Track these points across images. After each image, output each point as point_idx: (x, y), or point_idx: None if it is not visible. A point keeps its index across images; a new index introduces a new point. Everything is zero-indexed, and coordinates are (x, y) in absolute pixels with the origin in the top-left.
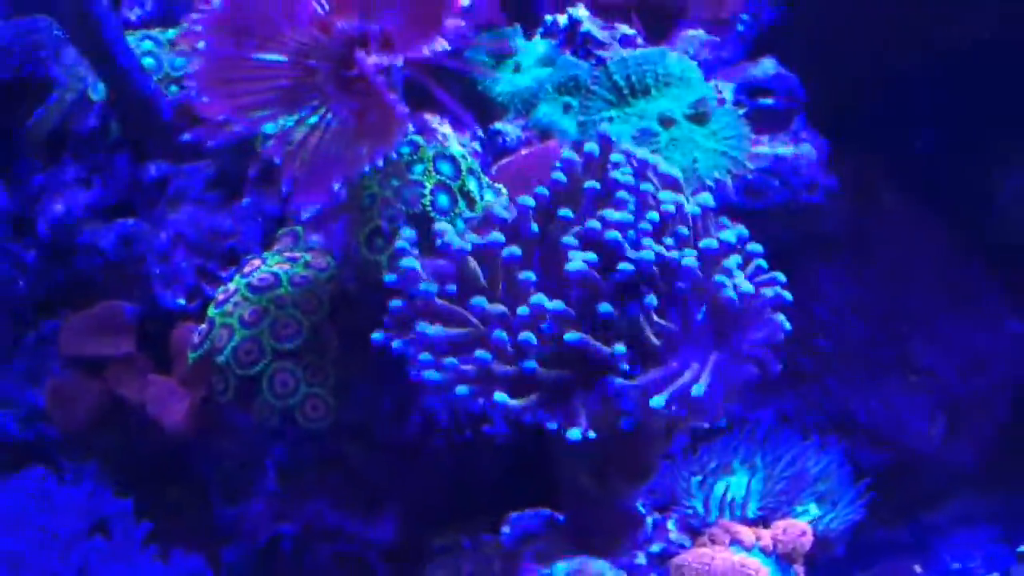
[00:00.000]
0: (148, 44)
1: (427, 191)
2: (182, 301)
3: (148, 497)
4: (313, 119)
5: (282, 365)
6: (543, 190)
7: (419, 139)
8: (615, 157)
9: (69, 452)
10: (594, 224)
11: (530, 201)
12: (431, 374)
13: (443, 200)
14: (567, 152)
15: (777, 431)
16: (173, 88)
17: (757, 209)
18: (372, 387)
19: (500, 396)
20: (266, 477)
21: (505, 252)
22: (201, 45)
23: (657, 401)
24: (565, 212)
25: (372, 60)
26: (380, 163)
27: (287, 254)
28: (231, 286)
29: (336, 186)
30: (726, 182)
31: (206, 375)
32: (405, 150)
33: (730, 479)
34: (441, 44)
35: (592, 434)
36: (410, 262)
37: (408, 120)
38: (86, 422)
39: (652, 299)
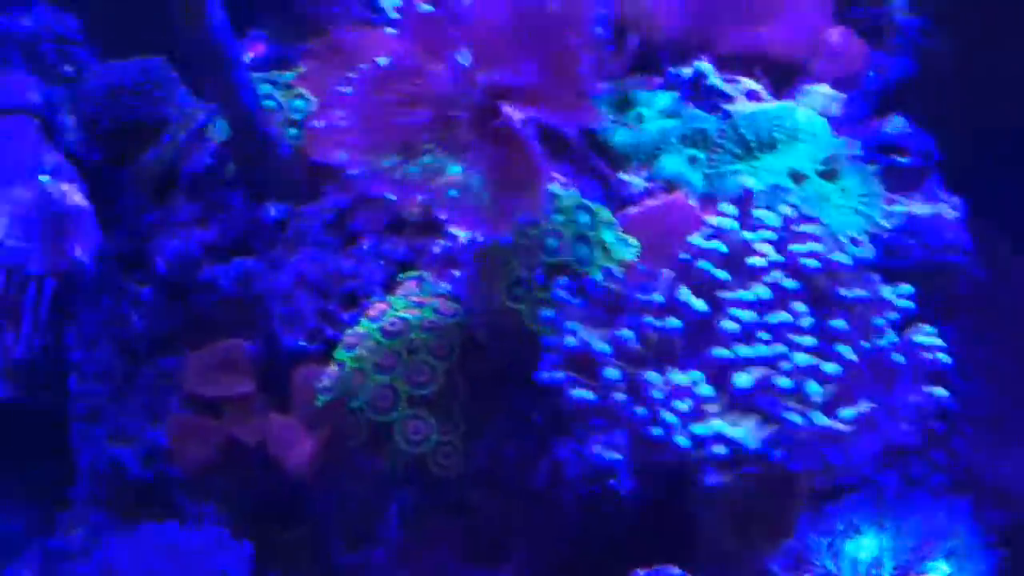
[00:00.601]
0: (267, 87)
1: (567, 241)
2: (303, 342)
3: (266, 541)
4: (455, 169)
5: (416, 412)
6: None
7: (556, 188)
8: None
9: (189, 492)
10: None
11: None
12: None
13: (582, 250)
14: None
15: (904, 491)
16: (292, 131)
17: (892, 268)
18: (499, 435)
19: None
20: (389, 524)
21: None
22: (347, 90)
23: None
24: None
25: (518, 115)
26: (523, 218)
27: (414, 299)
28: (360, 330)
29: (479, 235)
30: (861, 240)
31: (333, 418)
32: None
33: (860, 539)
34: (585, 100)
35: None
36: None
37: (551, 175)
38: (206, 462)
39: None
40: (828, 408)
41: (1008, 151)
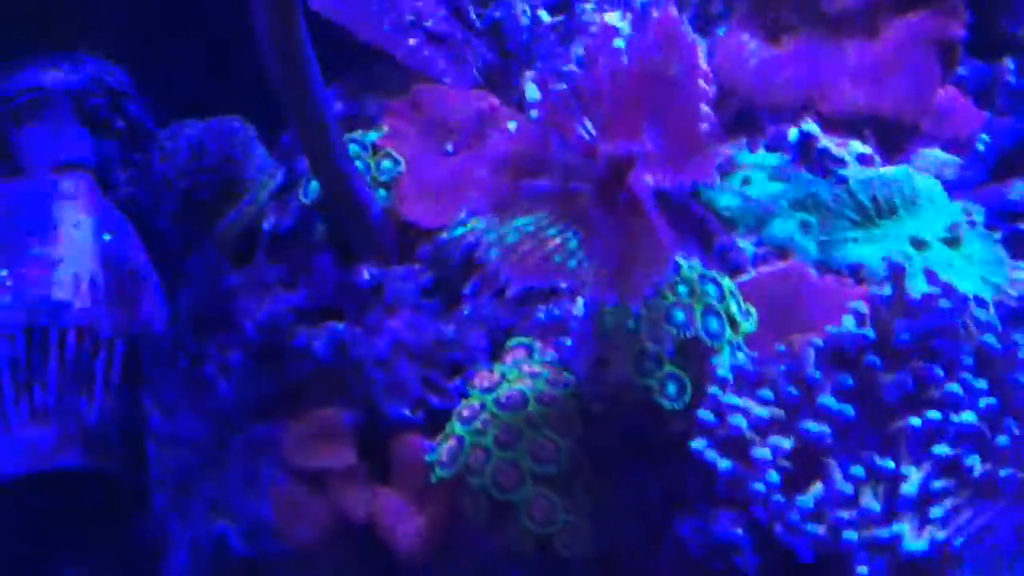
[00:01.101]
0: (355, 148)
1: (697, 315)
2: (407, 412)
3: None
4: (574, 243)
5: (540, 490)
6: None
7: (679, 259)
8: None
9: (297, 570)
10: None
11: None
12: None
13: (713, 324)
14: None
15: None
16: (381, 192)
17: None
18: (621, 512)
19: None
20: None
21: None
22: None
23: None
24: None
25: (648, 181)
26: (648, 291)
27: (525, 368)
28: (474, 402)
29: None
30: (989, 308)
31: (447, 494)
32: None
33: None
34: (708, 168)
35: None
36: (732, 399)
37: (678, 247)
38: (314, 538)
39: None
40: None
41: None
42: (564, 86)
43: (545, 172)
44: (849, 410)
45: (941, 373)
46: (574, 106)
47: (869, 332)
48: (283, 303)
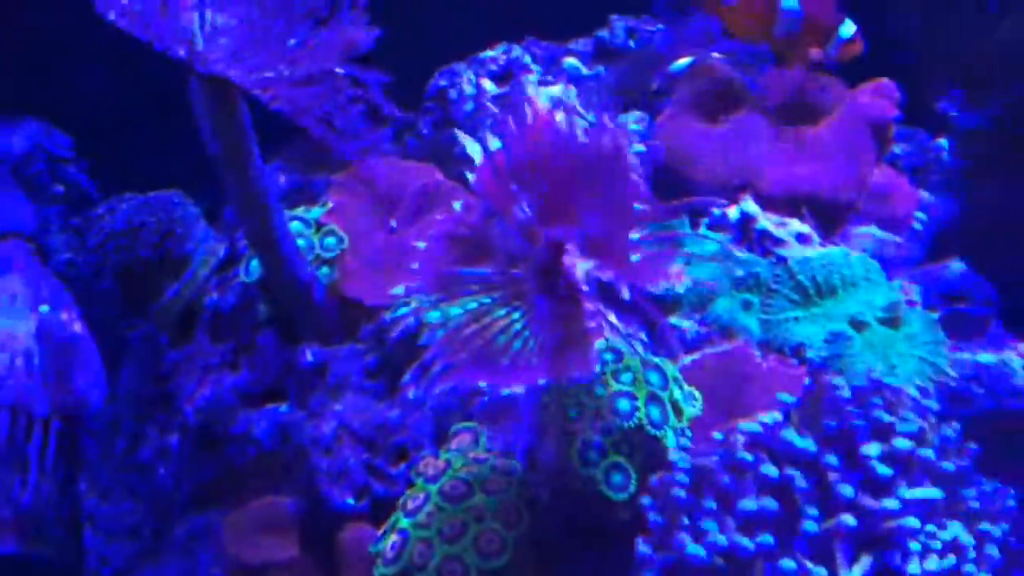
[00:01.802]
0: (298, 225)
1: (640, 403)
2: (351, 500)
3: None
4: (519, 324)
5: None
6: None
7: (623, 345)
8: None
9: None
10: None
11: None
12: None
13: (656, 413)
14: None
15: None
16: (324, 269)
17: (962, 416)
18: None
19: None
20: None
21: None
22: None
23: None
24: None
25: (580, 270)
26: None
27: (471, 455)
28: (419, 492)
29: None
30: (929, 390)
31: None
32: (609, 356)
33: None
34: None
35: None
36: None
37: (603, 334)
38: None
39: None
40: None
41: None
42: (505, 166)
43: (487, 255)
44: (772, 504)
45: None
46: (515, 187)
47: (793, 438)
48: (224, 385)
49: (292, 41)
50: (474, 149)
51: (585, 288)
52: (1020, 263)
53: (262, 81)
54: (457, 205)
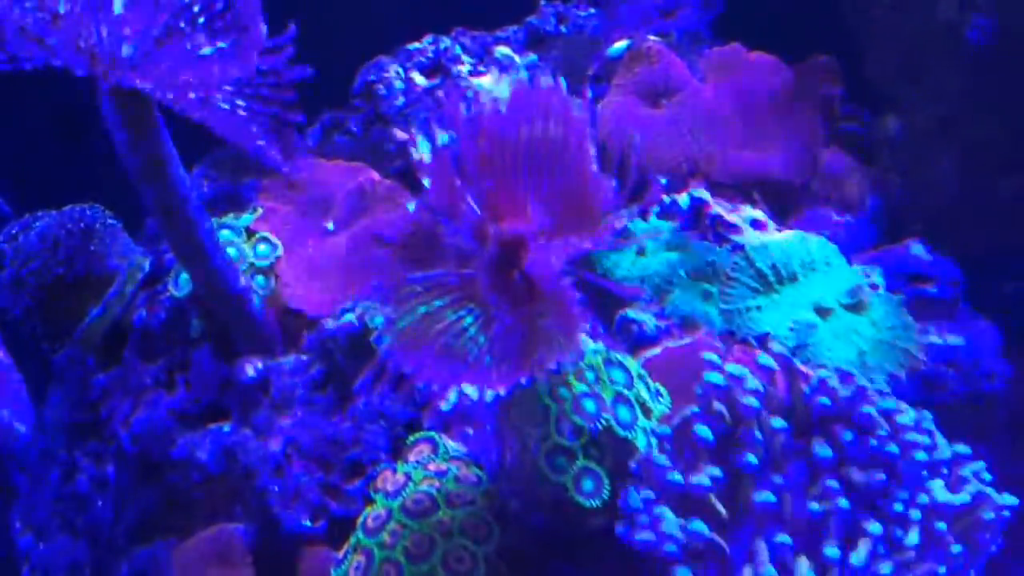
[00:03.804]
0: (228, 234)
1: (607, 403)
2: (308, 523)
3: None
4: (473, 328)
5: None
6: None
7: (586, 342)
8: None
9: None
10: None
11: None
12: None
13: (624, 413)
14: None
15: None
16: (259, 279)
17: (935, 403)
18: None
19: None
20: None
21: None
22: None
23: None
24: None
25: (546, 260)
26: (555, 368)
27: (431, 467)
28: (380, 509)
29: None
30: (900, 376)
31: None
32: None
33: None
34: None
35: None
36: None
37: (586, 321)
38: None
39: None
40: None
41: (1012, 269)
42: (449, 164)
43: (437, 258)
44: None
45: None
46: (461, 185)
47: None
48: (160, 407)
49: (204, 46)
50: (424, 147)
51: (564, 282)
52: (975, 240)
53: (174, 90)
54: (410, 206)
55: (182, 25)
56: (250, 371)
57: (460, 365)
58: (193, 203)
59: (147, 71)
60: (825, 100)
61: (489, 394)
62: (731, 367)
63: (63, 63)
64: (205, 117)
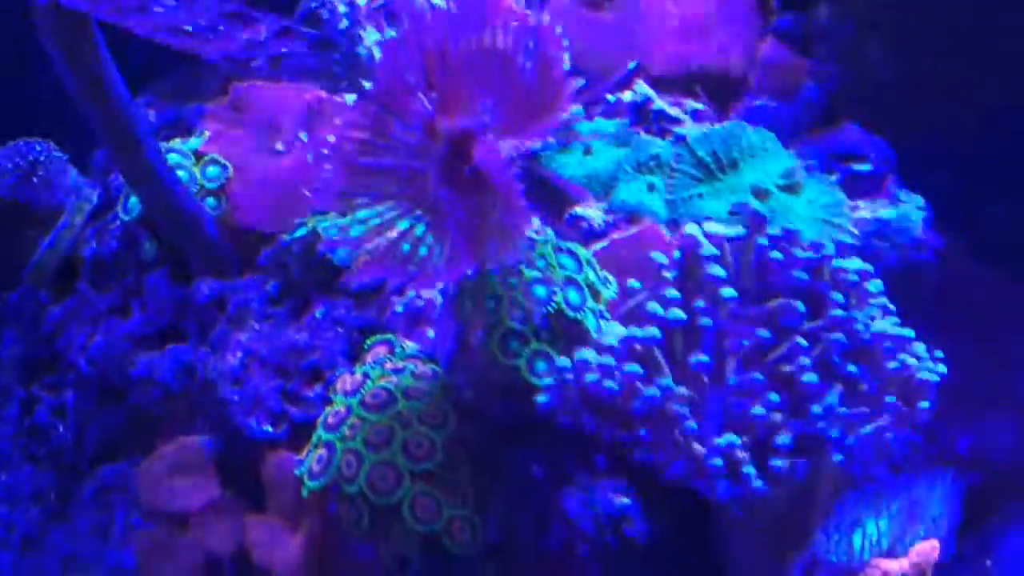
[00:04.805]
0: (176, 157)
1: (557, 288)
2: (269, 428)
3: None
4: (421, 229)
5: (421, 488)
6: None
7: (533, 233)
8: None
9: None
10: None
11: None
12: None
13: (574, 296)
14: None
15: (893, 479)
16: (210, 200)
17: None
18: (508, 502)
19: None
20: None
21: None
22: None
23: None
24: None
25: (497, 151)
26: (506, 262)
27: (388, 365)
28: (339, 407)
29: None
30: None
31: (321, 507)
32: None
33: (862, 529)
34: (553, 134)
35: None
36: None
37: (532, 214)
38: None
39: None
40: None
41: (948, 150)
42: (399, 59)
43: (386, 154)
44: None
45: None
46: (408, 82)
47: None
48: (117, 332)
49: None
50: (372, 38)
51: (510, 174)
52: (906, 121)
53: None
54: (349, 98)
55: None
56: (205, 290)
57: (412, 267)
58: (140, 122)
59: None
60: None
61: (439, 288)
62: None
63: None
64: (148, 31)
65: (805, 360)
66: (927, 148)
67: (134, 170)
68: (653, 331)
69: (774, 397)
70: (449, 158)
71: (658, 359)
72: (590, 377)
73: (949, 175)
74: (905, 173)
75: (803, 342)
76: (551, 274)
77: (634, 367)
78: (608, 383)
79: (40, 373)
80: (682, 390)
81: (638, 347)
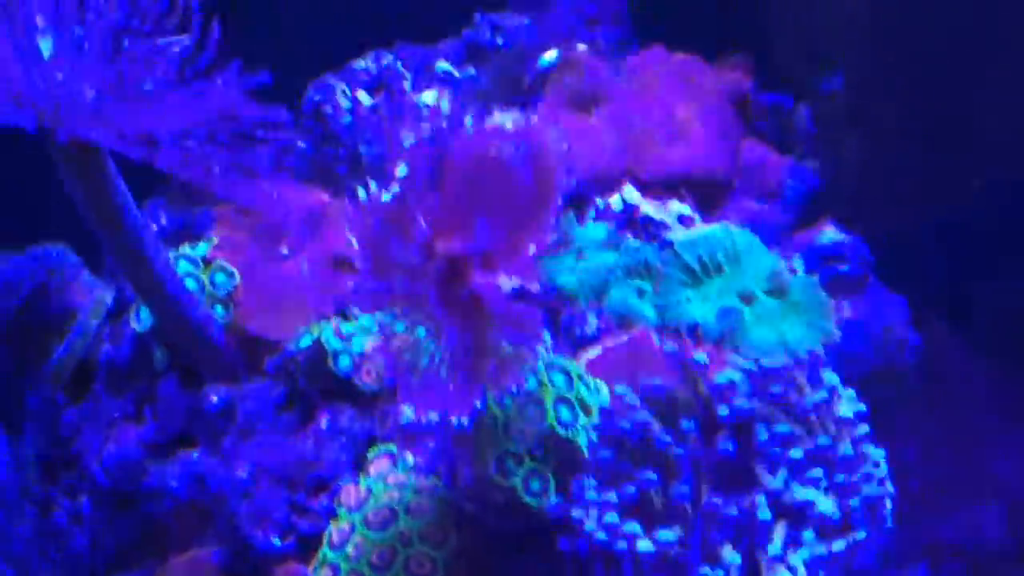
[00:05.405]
0: (186, 265)
1: (549, 407)
2: (277, 541)
3: None
4: (427, 343)
5: None
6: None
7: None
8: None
9: None
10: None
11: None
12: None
13: (565, 414)
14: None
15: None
16: (219, 308)
17: (853, 376)
18: None
19: None
20: None
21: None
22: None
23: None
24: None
25: (503, 283)
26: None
27: (391, 479)
28: (344, 524)
29: (464, 416)
30: (819, 352)
31: None
32: None
33: None
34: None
35: None
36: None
37: (534, 342)
38: None
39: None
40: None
41: (931, 237)
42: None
43: (386, 272)
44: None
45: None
46: (409, 202)
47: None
48: (130, 439)
49: (159, 89)
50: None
51: (511, 304)
52: (883, 216)
53: (131, 141)
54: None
55: (138, 66)
56: (214, 398)
57: (418, 384)
58: (149, 242)
59: (103, 120)
60: (739, 95)
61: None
62: None
63: (4, 119)
64: (160, 161)
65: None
66: (911, 237)
67: (143, 285)
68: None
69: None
70: (446, 279)
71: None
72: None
73: (934, 261)
74: (890, 263)
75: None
76: (543, 393)
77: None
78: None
79: (58, 474)
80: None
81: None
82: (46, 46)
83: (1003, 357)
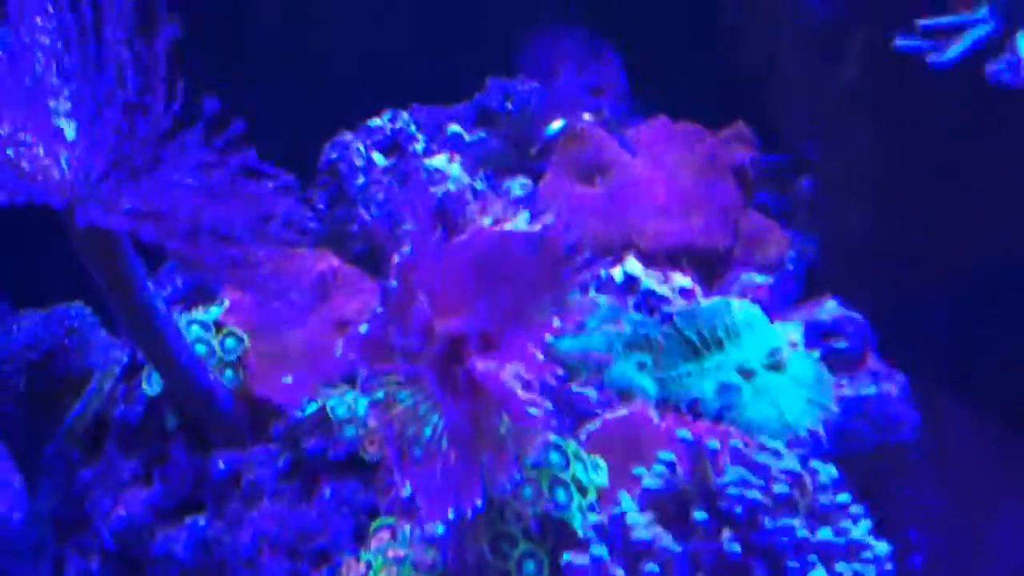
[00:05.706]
0: (197, 330)
1: (544, 488)
2: None
3: None
4: (431, 416)
5: None
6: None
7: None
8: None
9: None
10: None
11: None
12: None
13: (561, 496)
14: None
15: None
16: (228, 373)
17: (852, 453)
18: None
19: None
20: None
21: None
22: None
23: None
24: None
25: (508, 372)
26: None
27: (390, 553)
28: None
29: (473, 505)
30: (818, 430)
31: None
32: None
33: None
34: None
35: None
36: None
37: (534, 436)
38: None
39: None
40: None
41: (935, 308)
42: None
43: (388, 356)
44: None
45: None
46: (412, 286)
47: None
48: (139, 502)
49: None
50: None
51: (515, 391)
52: (887, 287)
53: (147, 225)
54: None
55: (152, 149)
56: (221, 464)
57: (416, 454)
58: (159, 312)
59: (117, 204)
60: (740, 167)
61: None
62: None
63: (26, 199)
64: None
65: None
66: (914, 306)
67: (152, 353)
68: None
69: None
70: (445, 361)
71: None
72: None
73: (937, 331)
74: (891, 336)
75: None
76: (539, 474)
77: None
78: None
79: (71, 532)
80: None
81: None
82: (70, 129)
83: (1009, 426)
